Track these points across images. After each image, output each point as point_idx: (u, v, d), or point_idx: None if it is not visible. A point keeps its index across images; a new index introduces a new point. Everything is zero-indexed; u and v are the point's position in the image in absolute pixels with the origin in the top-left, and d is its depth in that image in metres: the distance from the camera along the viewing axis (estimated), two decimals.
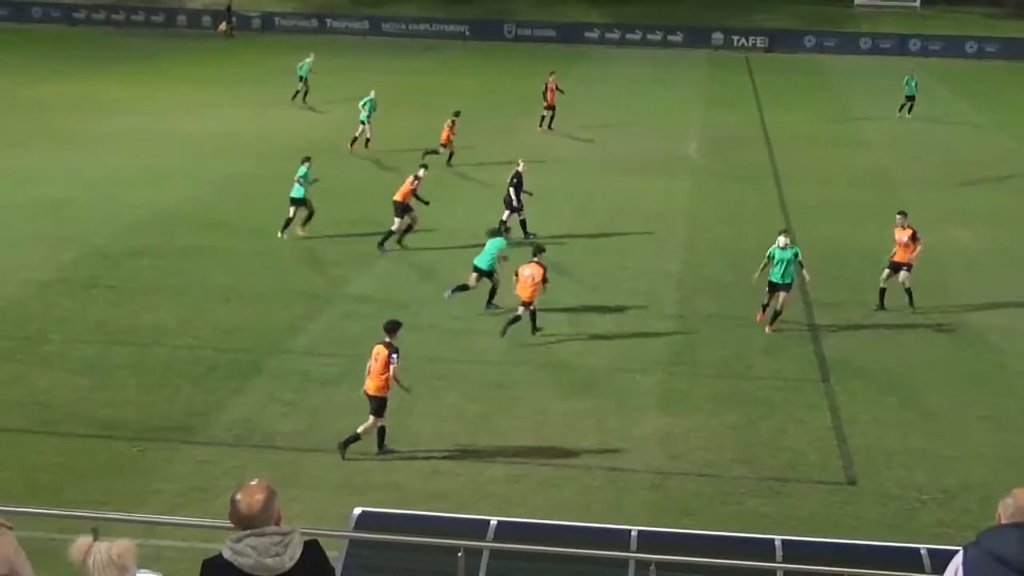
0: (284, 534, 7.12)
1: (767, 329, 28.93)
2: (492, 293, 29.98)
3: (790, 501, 20.66)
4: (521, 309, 27.88)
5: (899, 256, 30.78)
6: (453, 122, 46.73)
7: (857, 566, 13.05)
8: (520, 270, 27.90)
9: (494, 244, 30.02)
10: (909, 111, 60.45)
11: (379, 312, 29.30)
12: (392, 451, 22.05)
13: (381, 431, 22.08)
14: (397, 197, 35.53)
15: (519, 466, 21.60)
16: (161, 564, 14.02)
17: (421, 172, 36.07)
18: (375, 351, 21.99)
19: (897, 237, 30.95)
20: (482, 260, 29.86)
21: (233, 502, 7.17)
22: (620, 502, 20.42)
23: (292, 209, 35.98)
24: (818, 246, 36.29)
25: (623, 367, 26.50)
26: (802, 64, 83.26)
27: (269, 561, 7.02)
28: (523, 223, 36.79)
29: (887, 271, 30.87)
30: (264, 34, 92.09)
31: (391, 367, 21.68)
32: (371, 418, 21.94)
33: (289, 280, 31.97)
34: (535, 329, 27.93)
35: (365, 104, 49.06)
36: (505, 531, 14.19)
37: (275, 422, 23.15)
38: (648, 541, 14.10)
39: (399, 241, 35.55)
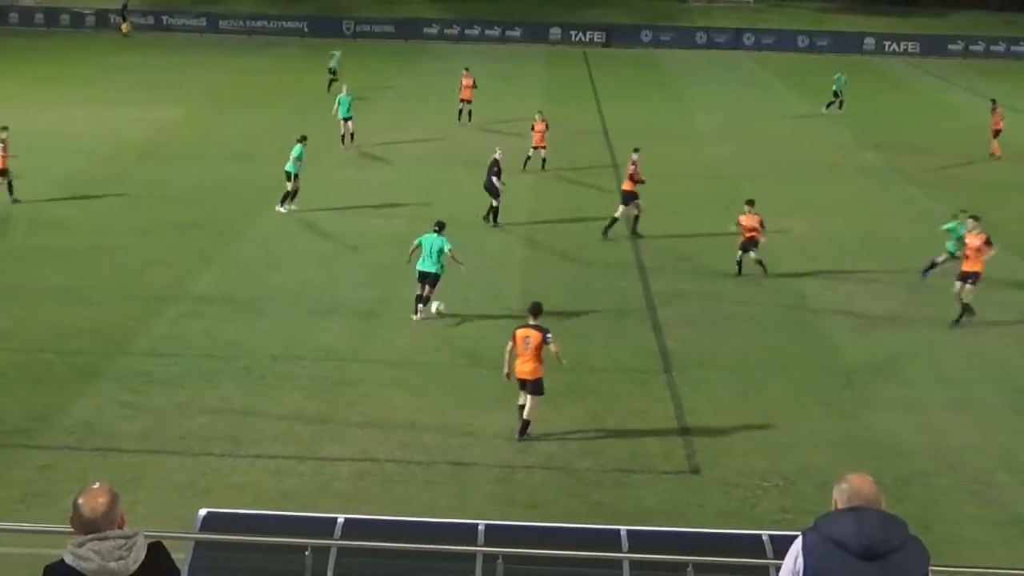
0: (127, 537, 7.04)
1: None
2: (425, 300, 29.27)
3: (635, 491, 20.88)
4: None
5: (970, 265, 29.75)
6: (545, 123, 46.99)
7: (701, 554, 13.27)
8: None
9: (434, 242, 29.25)
10: (839, 107, 62.13)
11: (221, 311, 29.14)
12: (530, 436, 22.60)
13: (521, 409, 22.77)
14: (625, 187, 37.25)
15: (364, 463, 21.55)
16: (2, 571, 13.80)
17: (635, 156, 37.88)
18: (522, 335, 22.53)
19: (969, 243, 30.08)
20: (427, 264, 29.10)
21: (75, 506, 7.08)
22: (467, 496, 20.47)
23: (288, 184, 38.35)
24: (658, 238, 36.74)
25: (467, 362, 26.56)
26: (639, 58, 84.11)
27: (113, 565, 6.94)
28: (495, 211, 37.74)
29: (958, 283, 30.03)
30: (99, 32, 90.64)
31: (551, 346, 22.41)
32: (530, 399, 22.56)
33: (129, 280, 31.53)
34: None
35: (341, 102, 49.84)
36: (352, 528, 14.15)
37: (117, 424, 22.82)
38: (495, 535, 14.15)
39: (634, 230, 37.12)
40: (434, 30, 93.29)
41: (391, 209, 39.40)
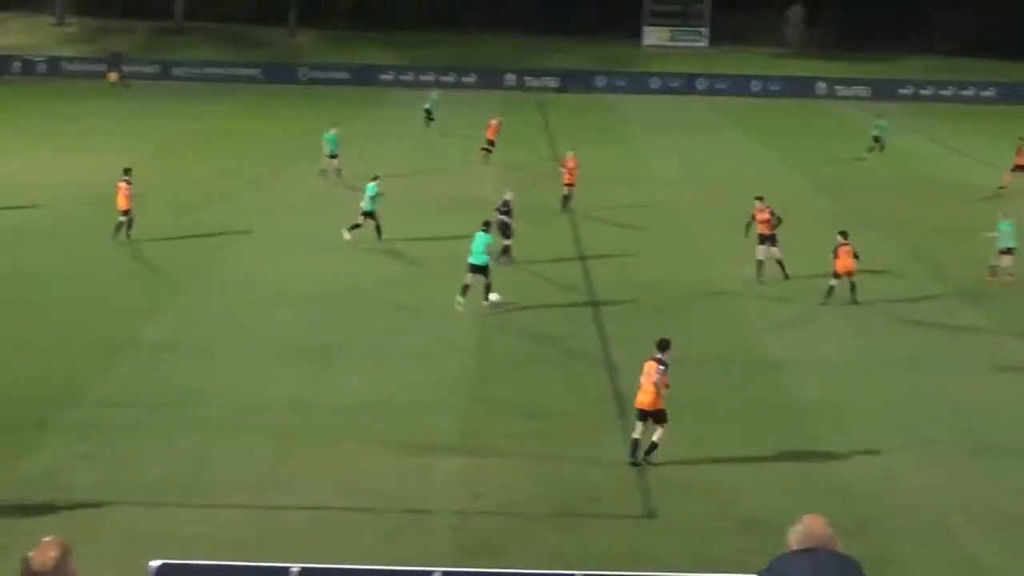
0: None
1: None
2: (487, 288, 33.47)
3: (591, 536, 20.85)
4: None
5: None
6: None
7: None
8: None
9: (482, 239, 33.69)
10: (881, 150, 62.97)
11: (175, 359, 29.01)
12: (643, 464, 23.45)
13: (634, 442, 23.64)
14: (765, 230, 37.59)
15: (319, 511, 21.45)
16: None
17: (758, 203, 38.43)
18: (647, 368, 23.58)
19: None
20: (476, 257, 33.46)
21: (25, 561, 7.02)
22: (422, 543, 20.40)
23: (363, 219, 40.14)
24: (611, 281, 36.83)
25: (422, 408, 26.51)
26: (594, 104, 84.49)
27: None
28: (505, 249, 38.39)
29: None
30: (51, 79, 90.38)
31: (656, 376, 23.37)
32: (659, 428, 23.48)
33: (83, 329, 31.33)
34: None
35: (329, 139, 51.82)
36: None
37: (71, 475, 22.64)
38: None
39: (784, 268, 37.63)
40: (389, 76, 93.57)
41: (347, 255, 39.35)
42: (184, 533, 20.50)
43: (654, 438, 23.58)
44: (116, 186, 40.49)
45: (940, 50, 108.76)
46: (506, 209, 38.69)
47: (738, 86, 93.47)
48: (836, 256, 35.52)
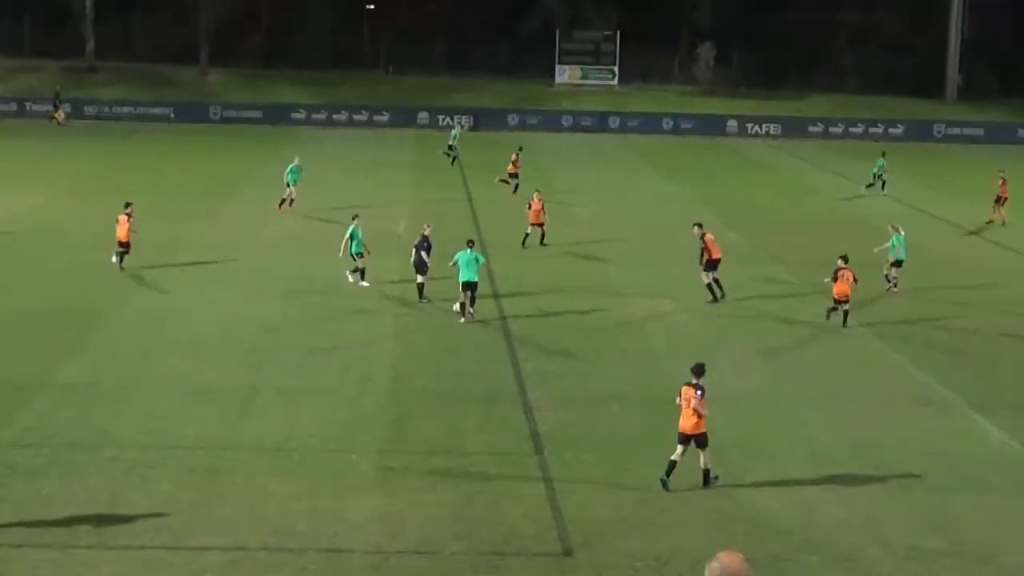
0: None
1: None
2: (472, 301, 36.12)
3: (509, 575, 20.79)
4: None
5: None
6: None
7: None
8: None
9: (469, 256, 36.01)
10: (882, 188, 64.69)
11: (86, 400, 28.70)
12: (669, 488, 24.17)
13: (672, 464, 24.34)
14: (716, 255, 39.63)
15: (235, 552, 21.25)
16: None
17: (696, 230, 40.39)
18: (684, 393, 24.29)
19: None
20: (469, 273, 35.94)
21: None
22: None
23: (355, 263, 40.32)
24: (530, 319, 36.87)
25: (337, 447, 26.36)
26: (507, 142, 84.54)
27: None
28: (421, 287, 38.49)
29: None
30: None
31: (694, 402, 23.96)
32: (702, 453, 24.26)
33: None
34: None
35: (291, 170, 53.67)
36: None
37: None
38: None
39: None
40: (302, 115, 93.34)
41: (261, 294, 39.18)
42: (98, 575, 20.24)
43: (703, 465, 24.45)
44: (117, 219, 42.08)
45: (849, 88, 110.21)
46: (427, 245, 38.67)
47: (650, 124, 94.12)
48: (835, 280, 37.27)
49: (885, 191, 64.42)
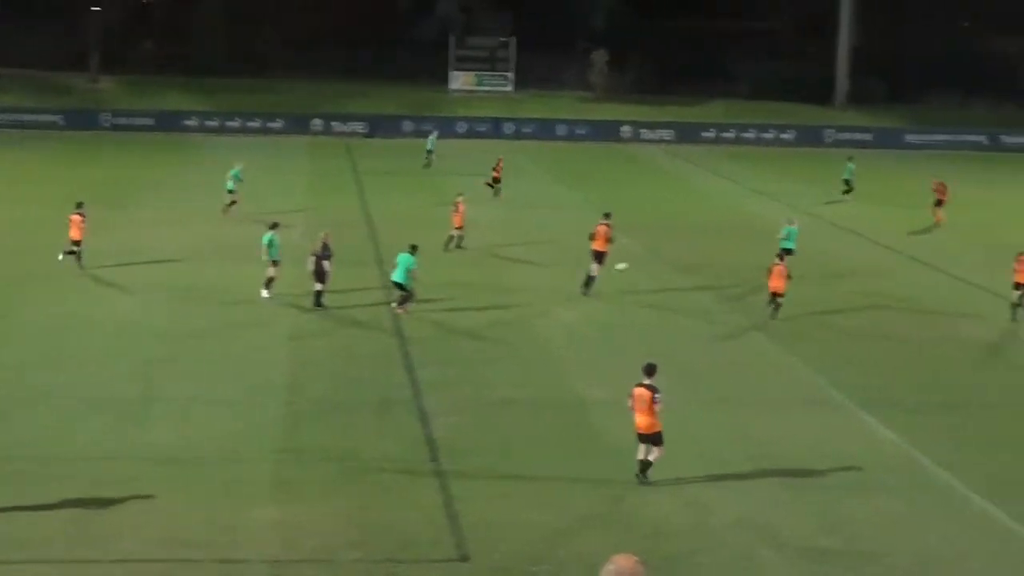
0: None
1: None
2: (404, 299, 37.62)
3: None
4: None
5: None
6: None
7: None
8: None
9: (405, 260, 37.49)
10: (850, 191, 65.72)
11: None
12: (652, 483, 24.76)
13: (646, 463, 24.88)
14: (595, 246, 41.35)
15: (132, 564, 21.06)
16: None
17: (608, 221, 42.84)
18: (636, 393, 24.60)
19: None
20: (398, 275, 37.50)
21: None
22: None
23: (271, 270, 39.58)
24: (426, 325, 36.85)
25: (234, 457, 26.19)
26: (402, 148, 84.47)
27: None
28: (319, 294, 38.43)
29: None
30: None
31: (656, 407, 24.32)
32: (656, 450, 24.65)
33: None
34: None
35: (233, 175, 54.48)
36: None
37: None
38: None
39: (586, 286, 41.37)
40: (194, 122, 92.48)
41: (155, 303, 38.84)
42: None
43: (649, 457, 24.81)
44: (69, 218, 42.93)
45: (742, 94, 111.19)
46: (327, 254, 38.52)
47: (544, 130, 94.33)
48: (769, 274, 39.03)
49: (850, 197, 65.40)
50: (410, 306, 37.97)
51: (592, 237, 42.11)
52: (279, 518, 22.98)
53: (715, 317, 39.55)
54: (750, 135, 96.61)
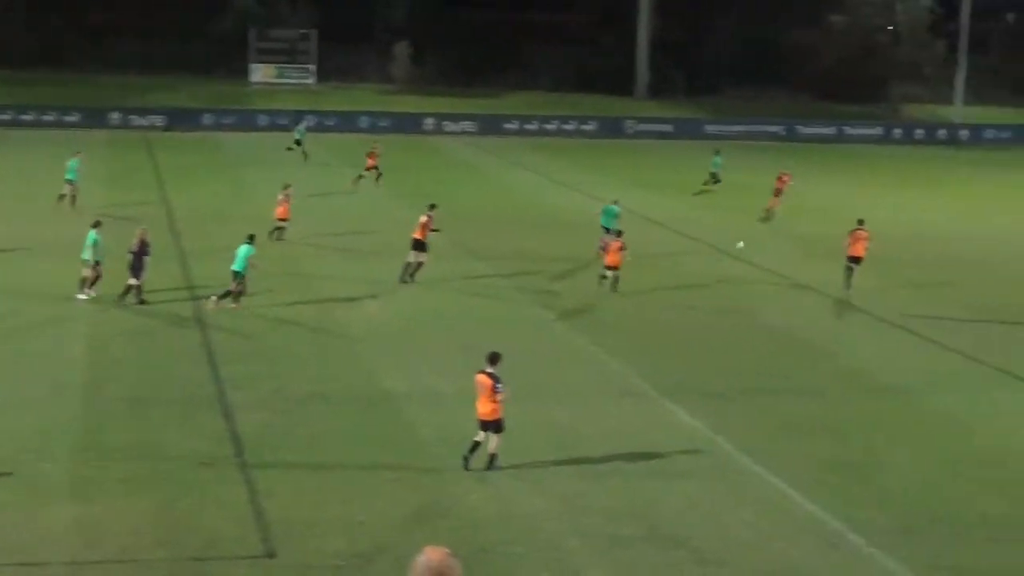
0: None
1: None
2: (235, 294, 37.57)
3: None
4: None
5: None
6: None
7: None
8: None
9: (244, 250, 37.64)
10: (714, 184, 66.87)
11: None
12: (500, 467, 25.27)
13: (474, 444, 25.21)
14: (416, 235, 42.16)
15: None
16: None
17: (432, 212, 43.34)
18: (478, 380, 25.13)
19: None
20: (237, 264, 37.47)
21: None
22: None
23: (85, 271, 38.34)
24: (230, 320, 36.44)
25: (32, 457, 25.61)
26: (202, 142, 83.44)
27: None
28: (139, 288, 37.84)
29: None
30: None
31: (498, 395, 24.82)
32: (495, 438, 25.10)
33: None
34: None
35: (71, 165, 53.86)
36: None
37: None
38: None
39: (412, 276, 42.17)
40: None
41: None
42: None
43: (491, 449, 25.23)
44: None
45: (544, 86, 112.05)
46: (145, 250, 37.96)
47: (347, 122, 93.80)
48: (606, 251, 42.12)
49: (717, 187, 66.52)
50: (233, 302, 37.57)
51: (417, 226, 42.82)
52: (80, 518, 22.56)
53: (519, 308, 39.79)
54: (552, 127, 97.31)
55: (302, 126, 77.45)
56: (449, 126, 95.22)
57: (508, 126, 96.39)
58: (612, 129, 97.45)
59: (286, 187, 50.09)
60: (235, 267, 37.76)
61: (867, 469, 26.82)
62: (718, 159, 68.48)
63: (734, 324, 39.08)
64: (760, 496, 25.12)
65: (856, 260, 43.65)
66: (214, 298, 37.73)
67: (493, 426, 25.23)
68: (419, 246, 42.38)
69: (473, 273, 44.64)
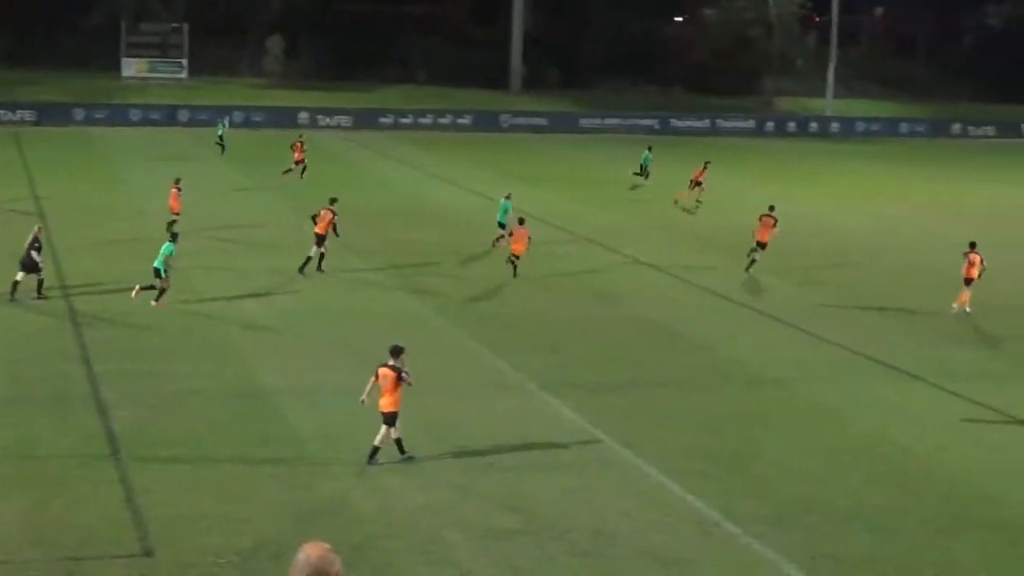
0: None
1: None
2: (159, 292, 37.31)
3: None
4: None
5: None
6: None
7: None
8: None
9: (165, 248, 37.39)
10: (646, 178, 67.28)
11: None
12: (412, 457, 25.50)
13: (399, 441, 25.36)
14: (318, 230, 42.59)
15: None
16: None
17: (335, 207, 43.82)
18: (382, 373, 25.16)
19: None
20: (158, 261, 37.17)
21: None
22: None
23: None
24: (99, 317, 36.00)
25: None
26: (74, 137, 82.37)
27: None
28: (40, 282, 37.65)
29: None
30: None
31: (403, 384, 25.11)
32: (384, 428, 25.25)
33: None
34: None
35: None
36: None
37: None
38: None
39: (319, 267, 42.77)
40: None
41: None
42: None
43: (376, 441, 25.34)
44: None
45: (419, 80, 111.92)
46: (37, 244, 37.52)
47: (221, 117, 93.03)
48: (512, 237, 43.78)
49: (649, 181, 66.97)
50: (155, 299, 37.38)
51: (315, 220, 43.16)
52: None
53: (398, 302, 39.72)
54: (427, 120, 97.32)
55: (225, 121, 78.20)
56: (324, 120, 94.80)
57: (383, 120, 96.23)
58: (487, 123, 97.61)
59: (177, 181, 50.12)
60: (155, 264, 37.39)
61: (744, 459, 27.09)
62: (648, 153, 69.18)
63: (611, 317, 39.31)
64: (638, 487, 25.28)
65: (762, 245, 45.95)
66: (138, 287, 37.47)
67: (388, 418, 25.34)
68: (321, 241, 42.82)
69: (350, 267, 44.49)
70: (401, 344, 25.86)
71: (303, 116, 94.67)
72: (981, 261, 40.63)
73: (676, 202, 60.68)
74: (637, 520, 23.57)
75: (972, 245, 41.20)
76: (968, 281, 40.57)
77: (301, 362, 32.91)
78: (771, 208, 47.13)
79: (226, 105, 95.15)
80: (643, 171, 68.16)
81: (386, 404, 25.36)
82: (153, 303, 37.30)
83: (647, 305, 40.89)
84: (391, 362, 25.39)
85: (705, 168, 62.16)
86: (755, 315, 40.29)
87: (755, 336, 37.87)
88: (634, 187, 66.65)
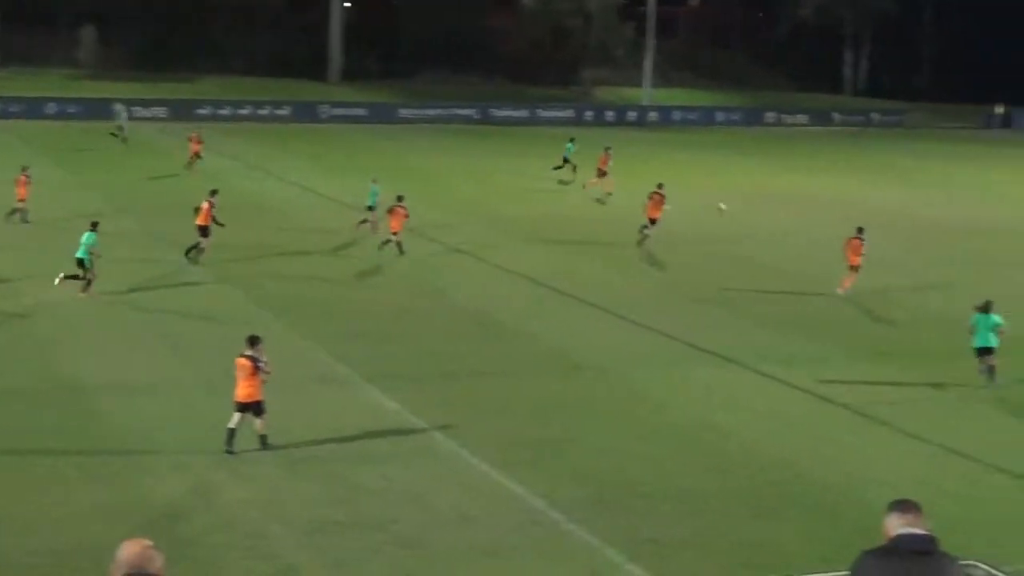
0: None
1: None
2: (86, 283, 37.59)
3: None
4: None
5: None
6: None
7: None
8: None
9: (87, 237, 37.76)
10: (573, 171, 66.87)
11: None
12: (233, 452, 25.39)
13: (230, 432, 25.39)
14: (199, 221, 43.20)
15: None
16: None
17: (214, 198, 44.39)
18: (239, 363, 25.32)
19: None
20: (80, 252, 37.45)
21: None
22: None
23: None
24: None
25: None
26: None
27: None
28: None
29: None
30: None
31: (262, 375, 25.25)
32: (258, 420, 25.50)
33: None
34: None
35: None
36: None
37: None
38: None
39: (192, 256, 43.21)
40: None
41: None
42: None
43: (260, 431, 25.57)
44: None
45: (237, 70, 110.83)
46: None
47: (33, 109, 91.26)
48: (389, 216, 45.44)
49: (575, 174, 66.51)
50: (81, 290, 37.71)
51: (196, 212, 43.81)
52: None
53: (215, 294, 39.31)
54: (246, 111, 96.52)
55: (124, 114, 78.66)
56: (140, 111, 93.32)
57: (201, 111, 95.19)
58: (306, 114, 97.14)
59: (24, 169, 50.13)
60: (78, 254, 37.69)
61: (565, 446, 27.27)
62: (571, 145, 69.11)
63: (435, 308, 39.34)
64: (462, 477, 25.33)
65: (653, 221, 49.40)
66: (62, 275, 37.87)
67: (254, 408, 25.46)
68: (204, 232, 43.47)
69: (166, 260, 43.93)
70: (257, 334, 26.11)
71: (118, 107, 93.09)
72: (861, 245, 42.01)
73: (585, 187, 62.04)
74: (461, 510, 23.61)
75: (859, 230, 42.28)
76: (853, 267, 41.93)
77: (116, 357, 32.39)
78: (659, 186, 50.29)
79: (39, 97, 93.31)
80: (566, 163, 68.03)
81: (242, 394, 25.40)
82: (81, 294, 37.41)
83: (470, 296, 40.99)
84: (248, 352, 25.47)
85: (607, 154, 63.01)
86: (577, 304, 40.59)
87: (577, 325, 38.15)
88: (561, 182, 66.39)
